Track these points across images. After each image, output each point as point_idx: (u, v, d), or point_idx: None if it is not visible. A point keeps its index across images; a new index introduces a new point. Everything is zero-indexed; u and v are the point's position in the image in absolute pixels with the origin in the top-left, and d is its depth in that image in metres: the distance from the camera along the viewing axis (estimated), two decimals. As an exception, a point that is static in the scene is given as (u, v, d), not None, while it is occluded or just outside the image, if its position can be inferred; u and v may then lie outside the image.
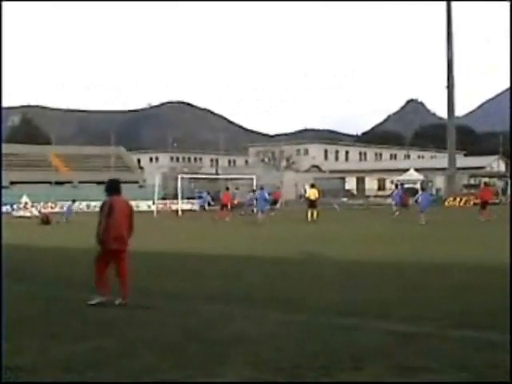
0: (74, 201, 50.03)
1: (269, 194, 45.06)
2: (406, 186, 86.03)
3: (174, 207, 59.96)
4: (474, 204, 74.73)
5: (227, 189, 50.32)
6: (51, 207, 63.40)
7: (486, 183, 44.28)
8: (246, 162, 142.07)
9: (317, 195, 40.02)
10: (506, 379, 5.89)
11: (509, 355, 6.90)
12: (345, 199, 71.50)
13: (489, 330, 8.31)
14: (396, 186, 49.56)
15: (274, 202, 51.80)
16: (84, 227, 38.47)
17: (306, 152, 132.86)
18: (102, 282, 11.02)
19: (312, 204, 39.13)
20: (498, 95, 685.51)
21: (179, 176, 63.61)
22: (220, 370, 6.70)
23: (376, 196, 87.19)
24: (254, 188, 49.28)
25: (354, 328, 8.56)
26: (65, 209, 48.98)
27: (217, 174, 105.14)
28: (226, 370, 6.69)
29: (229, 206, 45.16)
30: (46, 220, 41.26)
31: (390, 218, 39.58)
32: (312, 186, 42.59)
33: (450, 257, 17.76)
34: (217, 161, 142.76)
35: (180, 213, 54.01)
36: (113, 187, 11.44)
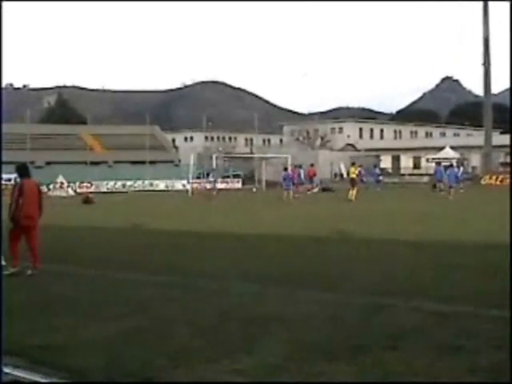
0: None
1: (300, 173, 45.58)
2: (443, 164, 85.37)
3: (208, 186, 60.12)
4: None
5: (300, 166, 50.68)
6: (87, 187, 63.88)
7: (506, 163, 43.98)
8: (281, 140, 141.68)
9: (357, 173, 39.96)
10: (507, 379, 5.83)
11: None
12: (380, 177, 70.93)
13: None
14: (438, 163, 48.88)
15: (310, 180, 51.53)
16: (123, 206, 39.17)
17: (341, 130, 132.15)
18: (15, 254, 12.20)
19: (353, 182, 38.91)
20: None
21: (214, 155, 63.68)
22: (256, 348, 6.71)
23: (411, 174, 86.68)
24: (287, 167, 49.23)
25: (390, 307, 8.55)
26: None
27: (251, 153, 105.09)
28: (262, 348, 6.71)
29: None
30: (87, 200, 41.62)
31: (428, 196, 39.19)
32: (353, 164, 42.44)
33: (485, 236, 17.59)
34: (251, 140, 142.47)
35: (215, 192, 54.10)
36: (23, 171, 12.69)
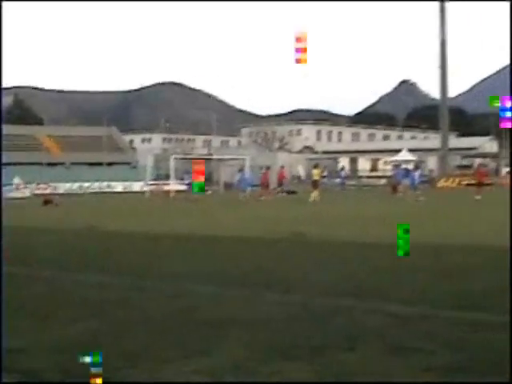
0: None
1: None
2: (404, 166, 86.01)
3: (166, 188, 59.95)
4: (468, 185, 75.07)
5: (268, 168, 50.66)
6: (43, 188, 63.30)
7: (481, 164, 45.64)
8: (239, 142, 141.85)
9: (320, 175, 40.39)
10: (506, 379, 5.90)
11: (507, 336, 6.95)
12: (337, 180, 71.32)
13: (485, 311, 8.32)
14: (396, 166, 49.83)
15: (280, 183, 51.45)
16: (81, 208, 39.00)
17: (299, 133, 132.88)
18: None
19: (315, 184, 39.30)
20: (490, 76, 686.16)
21: (171, 157, 63.55)
22: (214, 349, 6.70)
23: (369, 177, 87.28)
24: (242, 168, 49.44)
25: (349, 309, 8.57)
26: None
27: (209, 154, 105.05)
28: (220, 349, 6.70)
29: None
30: (47, 201, 41.54)
31: (383, 198, 39.58)
32: (315, 166, 42.87)
33: (445, 237, 17.79)
34: (209, 141, 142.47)
35: (172, 193, 53.98)
36: None
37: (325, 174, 52.20)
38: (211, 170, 79.88)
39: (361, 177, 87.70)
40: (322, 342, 6.90)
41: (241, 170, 48.86)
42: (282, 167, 54.90)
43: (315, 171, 41.01)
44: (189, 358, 6.42)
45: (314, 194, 38.06)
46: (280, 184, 51.63)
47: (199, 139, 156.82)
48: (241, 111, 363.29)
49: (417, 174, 42.52)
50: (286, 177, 54.26)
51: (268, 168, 51.42)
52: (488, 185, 73.84)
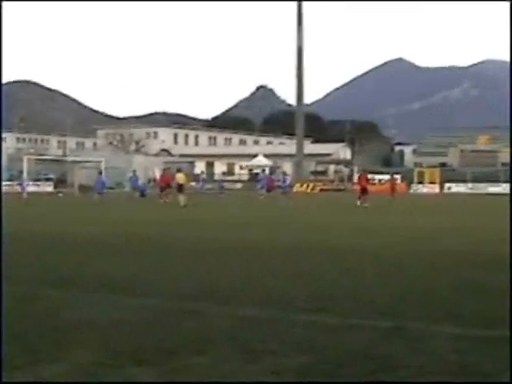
0: None
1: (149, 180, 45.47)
2: (255, 171, 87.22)
3: (19, 189, 58.35)
4: (321, 190, 76.96)
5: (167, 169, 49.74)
6: None
7: (363, 170, 46.51)
8: (95, 144, 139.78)
9: (184, 179, 40.66)
10: (506, 379, 6.07)
11: (353, 337, 7.20)
12: (194, 183, 71.55)
13: (331, 313, 8.55)
14: (263, 170, 50.65)
15: (168, 185, 50.34)
16: None
17: (156, 135, 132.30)
18: None
19: (180, 188, 39.63)
20: (345, 84, 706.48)
21: (25, 157, 61.93)
22: (64, 354, 6.57)
23: (224, 180, 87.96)
24: (101, 171, 48.86)
25: (201, 312, 8.60)
26: None
27: (64, 156, 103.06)
28: (69, 355, 6.58)
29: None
30: None
31: (242, 202, 39.98)
32: (179, 170, 43.19)
33: (299, 241, 18.15)
34: (64, 142, 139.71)
35: (25, 195, 52.59)
36: None
37: (138, 180, 52.67)
38: (65, 172, 78.36)
39: (217, 180, 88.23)
40: (173, 346, 6.91)
41: (100, 172, 48.25)
42: (168, 169, 54.42)
43: (179, 175, 41.25)
44: (36, 365, 6.28)
45: (182, 198, 38.29)
46: (167, 186, 50.51)
47: (54, 140, 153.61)
48: (97, 112, 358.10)
49: (288, 178, 43.98)
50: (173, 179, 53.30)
51: (168, 169, 50.84)
52: (341, 190, 76.05)
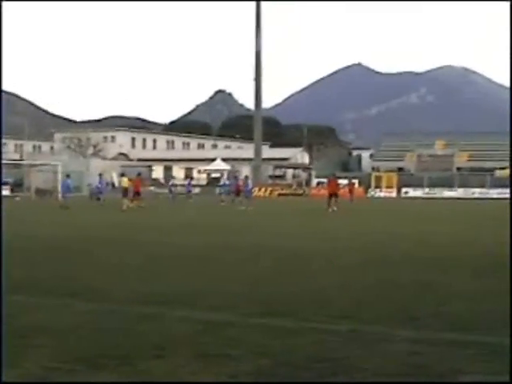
0: None
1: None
2: (213, 175, 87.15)
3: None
4: (279, 195, 77.16)
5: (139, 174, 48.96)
6: None
7: (333, 175, 45.56)
8: (52, 148, 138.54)
9: (128, 183, 40.45)
10: (506, 379, 6.11)
11: (308, 340, 7.23)
12: (152, 188, 71.32)
13: (289, 317, 8.58)
14: (234, 175, 50.62)
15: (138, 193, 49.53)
16: None
17: (114, 139, 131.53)
18: None
19: (125, 192, 39.44)
20: (303, 89, 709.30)
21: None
22: (20, 360, 6.52)
23: (183, 185, 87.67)
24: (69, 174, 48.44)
25: (159, 317, 8.58)
26: None
27: (21, 159, 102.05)
28: (25, 360, 6.53)
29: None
30: None
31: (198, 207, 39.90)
32: (122, 174, 43.03)
33: (258, 245, 18.19)
34: (21, 146, 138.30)
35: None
36: None
37: (102, 183, 52.89)
38: (22, 176, 77.57)
39: (175, 185, 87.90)
40: (130, 351, 6.89)
41: (68, 175, 47.77)
42: (139, 174, 53.94)
43: (123, 179, 41.29)
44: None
45: (126, 202, 38.21)
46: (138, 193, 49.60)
47: (11, 143, 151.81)
48: (55, 116, 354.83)
49: (250, 182, 44.10)
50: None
51: (139, 174, 50.53)
52: (299, 195, 76.28)
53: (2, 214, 12.10)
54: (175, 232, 23.53)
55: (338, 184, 43.64)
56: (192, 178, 77.53)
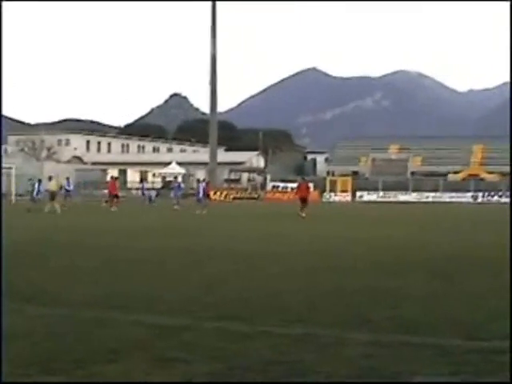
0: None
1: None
2: (168, 179, 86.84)
3: None
4: (234, 198, 77.18)
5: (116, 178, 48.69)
6: None
7: (303, 179, 44.72)
8: (5, 150, 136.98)
9: (56, 187, 40.58)
10: (506, 379, 6.14)
11: (264, 344, 7.27)
12: (106, 191, 70.68)
13: (242, 321, 8.64)
14: (198, 180, 50.38)
15: (116, 196, 48.64)
16: None
17: (68, 142, 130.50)
18: None
19: (53, 196, 39.62)
20: (259, 93, 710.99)
21: None
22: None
23: (138, 188, 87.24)
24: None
25: (113, 321, 8.56)
26: None
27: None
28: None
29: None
30: None
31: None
32: (50, 178, 43.20)
33: (213, 248, 18.20)
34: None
35: None
36: None
37: (70, 185, 53.25)
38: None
39: (130, 189, 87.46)
40: (83, 355, 6.86)
41: (40, 180, 47.30)
42: (112, 178, 53.48)
43: (51, 183, 41.23)
44: None
45: (51, 205, 38.31)
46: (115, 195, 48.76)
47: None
48: (8, 118, 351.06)
49: (202, 186, 43.96)
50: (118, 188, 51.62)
51: (116, 178, 50.28)
52: (254, 198, 76.34)
53: (2, 214, 11.98)
54: (132, 235, 23.40)
55: (309, 188, 42.59)
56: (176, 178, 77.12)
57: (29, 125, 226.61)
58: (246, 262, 15.48)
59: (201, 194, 43.28)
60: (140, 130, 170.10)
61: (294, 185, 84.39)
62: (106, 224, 30.21)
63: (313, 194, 69.81)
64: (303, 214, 36.19)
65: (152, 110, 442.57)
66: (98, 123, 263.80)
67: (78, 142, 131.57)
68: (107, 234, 23.92)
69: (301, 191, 39.43)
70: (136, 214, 41.82)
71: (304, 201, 37.92)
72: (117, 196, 45.08)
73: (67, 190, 54.31)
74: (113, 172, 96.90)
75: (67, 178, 54.80)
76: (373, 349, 7.21)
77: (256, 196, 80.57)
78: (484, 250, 18.26)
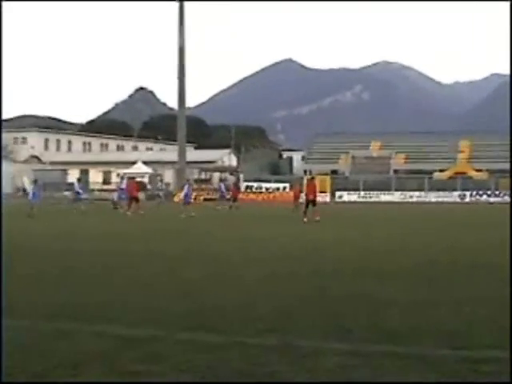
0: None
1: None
2: (138, 179, 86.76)
3: None
4: (205, 199, 77.03)
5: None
6: None
7: (312, 177, 42.21)
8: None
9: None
10: (505, 379, 6.20)
11: (236, 354, 7.29)
12: (67, 193, 70.31)
13: (215, 331, 8.65)
14: (220, 179, 50.05)
15: (135, 198, 48.31)
16: None
17: (25, 141, 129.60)
18: None
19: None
20: (231, 86, 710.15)
21: None
22: None
23: (101, 190, 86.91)
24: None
25: (73, 332, 8.54)
26: None
27: None
28: None
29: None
30: None
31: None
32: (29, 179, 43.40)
33: (186, 251, 18.23)
34: None
35: None
36: None
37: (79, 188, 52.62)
38: None
39: (93, 190, 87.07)
40: (44, 368, 6.87)
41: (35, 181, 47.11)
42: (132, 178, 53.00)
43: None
44: None
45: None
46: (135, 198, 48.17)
47: None
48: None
49: (186, 187, 44.17)
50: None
51: (133, 178, 49.58)
52: (227, 199, 76.45)
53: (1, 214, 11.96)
54: (98, 239, 23.32)
55: (316, 186, 38.62)
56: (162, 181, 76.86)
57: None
58: (220, 267, 15.49)
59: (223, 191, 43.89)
60: (103, 126, 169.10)
61: (269, 185, 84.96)
62: (73, 228, 30.04)
63: (288, 194, 70.01)
64: (316, 218, 33.30)
65: (116, 105, 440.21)
66: (58, 120, 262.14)
67: (35, 140, 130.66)
68: (74, 239, 23.78)
69: (309, 191, 35.78)
70: (102, 216, 41.65)
71: (313, 203, 34.76)
72: (137, 199, 43.36)
73: (78, 193, 51.18)
74: (74, 173, 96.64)
75: (78, 180, 52.46)
76: (352, 359, 7.26)
77: (228, 197, 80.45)
78: (471, 255, 18.39)
